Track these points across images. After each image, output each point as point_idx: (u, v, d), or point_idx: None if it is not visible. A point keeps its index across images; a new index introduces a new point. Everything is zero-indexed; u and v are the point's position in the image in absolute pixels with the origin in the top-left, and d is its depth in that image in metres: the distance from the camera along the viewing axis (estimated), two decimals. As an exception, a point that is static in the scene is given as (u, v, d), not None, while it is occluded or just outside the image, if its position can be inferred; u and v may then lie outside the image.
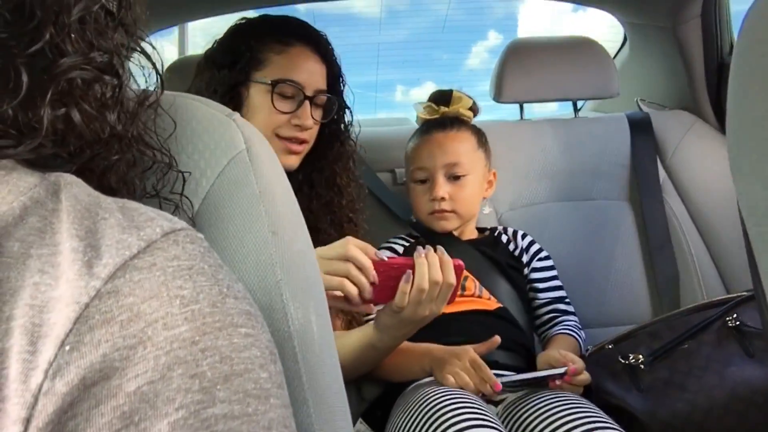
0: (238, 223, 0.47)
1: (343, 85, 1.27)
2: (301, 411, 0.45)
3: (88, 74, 0.38)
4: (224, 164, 0.49)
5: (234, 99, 1.13)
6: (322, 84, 1.19)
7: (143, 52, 0.43)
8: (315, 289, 0.51)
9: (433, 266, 1.00)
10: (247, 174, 0.49)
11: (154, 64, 0.44)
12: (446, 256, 1.01)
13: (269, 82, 1.12)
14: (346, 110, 1.29)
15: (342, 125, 1.29)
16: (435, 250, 1.02)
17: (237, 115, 0.53)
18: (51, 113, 0.36)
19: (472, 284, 1.29)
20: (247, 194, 0.48)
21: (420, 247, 1.02)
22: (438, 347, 1.14)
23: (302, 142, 1.17)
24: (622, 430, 0.94)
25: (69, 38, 0.37)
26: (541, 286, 1.36)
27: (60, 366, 0.30)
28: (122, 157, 0.43)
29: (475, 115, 1.45)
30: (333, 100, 1.22)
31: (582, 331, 1.30)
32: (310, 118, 1.16)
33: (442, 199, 1.31)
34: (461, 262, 1.03)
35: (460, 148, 1.35)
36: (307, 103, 1.15)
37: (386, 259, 1.01)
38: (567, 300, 1.36)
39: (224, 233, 0.47)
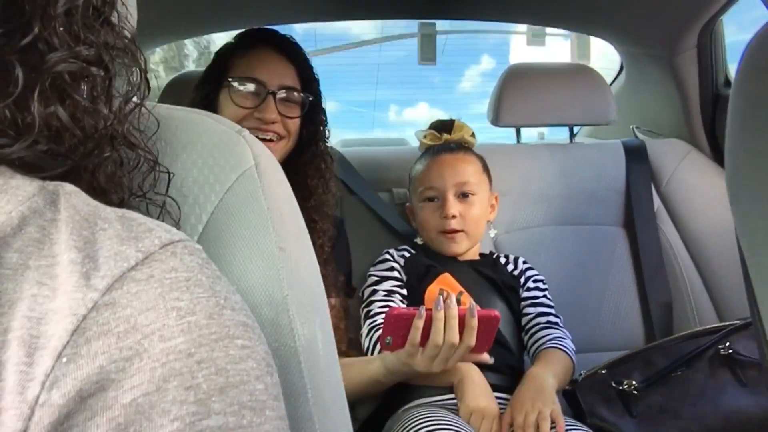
0: (246, 239, 0.48)
1: (319, 88, 1.30)
2: (306, 427, 0.45)
3: (75, 67, 0.38)
4: (233, 180, 0.49)
5: (213, 104, 1.21)
6: (288, 81, 1.22)
7: (129, 51, 0.43)
8: (320, 305, 0.52)
9: (450, 329, 0.99)
10: (256, 190, 0.50)
11: (139, 65, 0.44)
12: (473, 320, 0.99)
13: (229, 79, 1.19)
14: (321, 111, 1.31)
15: (320, 127, 1.31)
16: (459, 298, 1.00)
17: (246, 131, 0.54)
18: (43, 110, 0.36)
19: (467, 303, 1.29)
20: (255, 210, 0.49)
21: (440, 297, 1.01)
22: (477, 372, 1.14)
23: (278, 138, 1.21)
24: None
25: (56, 32, 0.37)
26: (531, 302, 1.36)
27: (57, 378, 0.30)
28: (110, 156, 0.43)
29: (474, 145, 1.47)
30: (304, 98, 1.24)
31: (570, 341, 1.28)
32: (274, 112, 1.19)
33: (453, 216, 1.32)
34: (498, 314, 1.01)
35: (469, 168, 1.37)
36: (270, 98, 1.19)
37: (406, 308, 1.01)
38: (555, 314, 1.35)
39: (232, 248, 0.47)
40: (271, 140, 1.20)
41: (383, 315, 1.16)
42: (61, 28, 0.37)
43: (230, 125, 0.54)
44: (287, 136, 1.22)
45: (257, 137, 1.17)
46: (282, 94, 1.21)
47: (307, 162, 1.27)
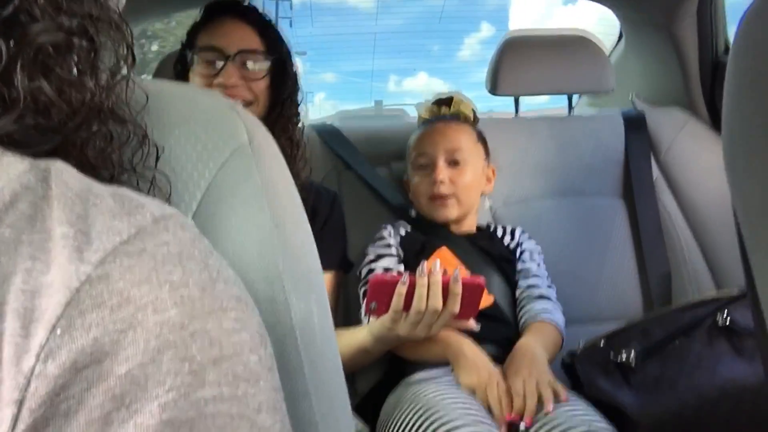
0: (241, 215, 0.48)
1: (287, 49, 1.29)
2: (303, 402, 0.45)
3: (58, 38, 0.38)
4: (227, 156, 0.49)
5: (182, 77, 1.24)
6: (247, 44, 1.22)
7: (114, 25, 0.43)
8: (316, 280, 0.52)
9: (434, 296, 0.99)
10: (250, 166, 0.49)
11: (125, 38, 0.44)
12: (457, 286, 1.00)
13: (190, 50, 1.22)
14: (293, 75, 1.30)
15: (289, 90, 1.30)
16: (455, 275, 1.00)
17: (240, 106, 0.53)
18: (27, 83, 0.36)
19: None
20: (250, 186, 0.49)
21: (424, 262, 1.01)
22: (469, 345, 1.14)
23: (246, 103, 1.21)
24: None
25: (37, 3, 0.36)
26: (523, 274, 1.37)
27: (51, 349, 0.30)
28: (99, 130, 0.42)
29: (474, 123, 1.48)
30: (265, 58, 1.24)
31: (558, 313, 1.29)
32: (232, 77, 1.19)
33: (443, 182, 1.34)
34: (482, 281, 1.01)
35: (461, 136, 1.39)
36: (229, 63, 1.19)
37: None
38: (547, 285, 1.36)
39: (226, 225, 0.47)
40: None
41: None
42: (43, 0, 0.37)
43: (223, 100, 0.53)
44: (255, 100, 1.22)
45: None
46: (241, 58, 1.21)
47: (273, 122, 1.26)
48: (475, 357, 1.11)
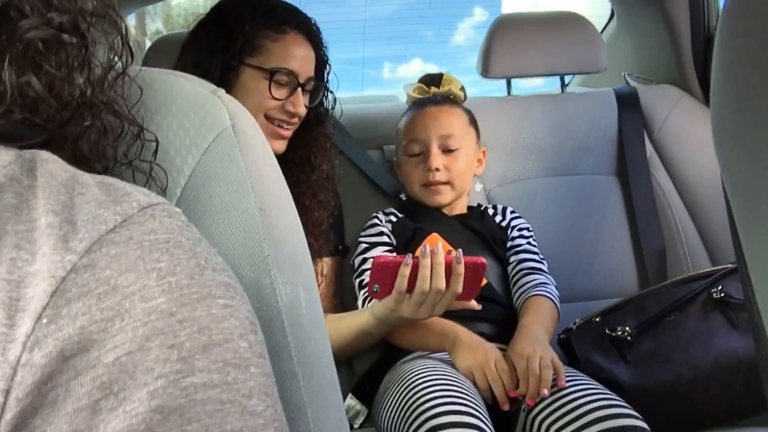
0: (225, 200, 0.47)
1: (329, 71, 1.28)
2: (291, 384, 0.45)
3: (47, 34, 0.37)
4: (210, 141, 0.49)
5: (224, 82, 1.12)
6: (312, 71, 1.20)
7: (109, 19, 0.42)
8: (303, 264, 0.51)
9: (437, 276, 1.00)
10: (233, 151, 0.49)
11: (120, 32, 0.44)
12: (459, 267, 1.00)
13: (267, 69, 1.13)
14: (329, 93, 1.29)
15: (322, 108, 1.29)
16: (450, 251, 1.00)
17: (222, 91, 0.53)
18: (15, 79, 0.36)
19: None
20: (234, 171, 0.48)
21: (427, 245, 1.01)
22: (464, 331, 1.14)
23: (290, 125, 1.19)
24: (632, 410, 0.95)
25: None
26: (514, 251, 1.36)
27: (38, 338, 0.30)
28: (93, 124, 0.42)
29: (463, 100, 1.46)
30: (321, 86, 1.24)
31: (552, 286, 1.29)
32: (302, 106, 1.17)
33: (437, 170, 1.32)
34: (484, 261, 1.01)
35: (454, 121, 1.37)
36: (299, 90, 1.16)
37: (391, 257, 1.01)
38: (538, 260, 1.35)
39: (211, 210, 0.47)
40: (290, 129, 1.19)
41: None
42: None
43: (204, 85, 0.53)
44: (298, 124, 1.21)
45: (279, 129, 1.17)
46: (309, 86, 1.20)
47: (312, 141, 1.26)
48: (470, 341, 1.11)
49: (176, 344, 0.32)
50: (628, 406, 0.96)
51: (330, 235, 1.30)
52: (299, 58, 1.16)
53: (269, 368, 0.37)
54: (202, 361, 0.32)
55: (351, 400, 1.23)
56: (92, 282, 0.32)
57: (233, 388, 0.33)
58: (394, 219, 1.39)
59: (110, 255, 0.33)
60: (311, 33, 1.20)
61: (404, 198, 1.46)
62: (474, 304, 1.07)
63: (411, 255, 1.01)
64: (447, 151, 1.34)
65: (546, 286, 1.27)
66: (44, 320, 0.30)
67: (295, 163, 1.24)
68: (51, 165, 0.36)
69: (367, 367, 1.29)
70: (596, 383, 1.05)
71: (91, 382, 0.30)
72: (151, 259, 0.34)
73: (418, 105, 1.42)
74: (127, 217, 0.34)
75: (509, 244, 1.37)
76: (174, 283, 0.34)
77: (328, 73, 1.28)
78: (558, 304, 1.26)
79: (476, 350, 1.09)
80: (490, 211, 1.43)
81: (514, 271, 1.33)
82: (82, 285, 0.32)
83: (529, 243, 1.38)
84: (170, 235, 0.35)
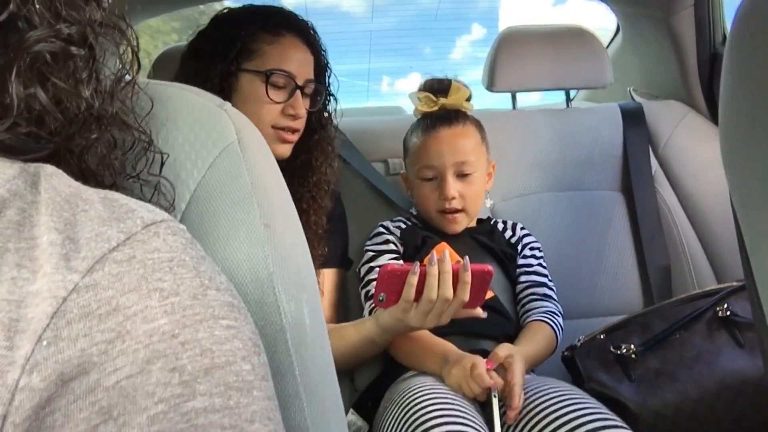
0: (230, 215, 0.47)
1: (329, 75, 1.28)
2: (293, 405, 0.45)
3: (55, 47, 0.37)
4: (215, 155, 0.48)
5: (224, 90, 1.12)
6: (311, 73, 1.20)
7: (118, 29, 0.42)
8: (307, 281, 0.51)
9: (444, 284, 0.99)
10: (239, 165, 0.49)
11: (129, 42, 0.43)
12: (467, 274, 0.99)
13: (263, 71, 1.12)
14: (331, 98, 1.29)
15: (326, 113, 1.29)
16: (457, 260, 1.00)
17: (228, 105, 0.52)
18: (22, 91, 0.36)
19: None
20: (239, 186, 0.48)
21: (434, 253, 1.00)
22: (454, 351, 1.13)
23: (295, 131, 1.18)
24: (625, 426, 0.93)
25: (35, 9, 0.36)
26: (524, 270, 1.35)
27: (37, 361, 0.29)
28: (101, 137, 0.42)
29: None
30: (320, 89, 1.23)
31: (560, 317, 1.27)
32: (303, 108, 1.16)
33: (453, 197, 1.29)
34: (491, 269, 1.00)
35: (468, 145, 1.32)
36: (298, 92, 1.15)
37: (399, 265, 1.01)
38: (550, 286, 1.33)
39: (215, 225, 0.47)
40: (294, 134, 1.18)
41: None
42: (39, 6, 0.36)
43: (211, 98, 0.52)
44: (302, 128, 1.20)
45: (285, 134, 1.16)
46: (309, 88, 1.19)
47: (315, 145, 1.26)
48: (457, 358, 1.09)
49: (178, 367, 0.31)
50: (616, 417, 0.95)
51: (330, 244, 1.29)
52: (296, 60, 1.16)
53: (272, 391, 0.36)
54: (204, 384, 0.32)
55: (352, 416, 1.22)
56: (94, 302, 0.31)
57: (235, 413, 0.32)
58: (403, 225, 1.37)
59: (113, 274, 0.32)
60: (308, 36, 1.21)
61: (415, 213, 1.45)
62: (479, 312, 1.06)
63: (419, 264, 1.00)
64: (462, 176, 1.31)
65: (554, 316, 1.26)
66: (44, 342, 0.30)
67: (296, 166, 1.24)
68: (55, 180, 0.36)
69: (368, 382, 1.28)
70: (587, 397, 1.03)
71: (90, 407, 0.30)
72: (154, 278, 0.33)
73: (429, 124, 1.35)
74: (130, 235, 0.34)
75: (520, 261, 1.36)
76: (177, 304, 0.33)
77: (329, 77, 1.28)
78: (559, 337, 1.24)
79: (458, 364, 1.07)
80: (500, 226, 1.41)
81: (524, 293, 1.32)
82: (84, 306, 0.31)
83: (540, 265, 1.36)
84: (174, 253, 0.35)
